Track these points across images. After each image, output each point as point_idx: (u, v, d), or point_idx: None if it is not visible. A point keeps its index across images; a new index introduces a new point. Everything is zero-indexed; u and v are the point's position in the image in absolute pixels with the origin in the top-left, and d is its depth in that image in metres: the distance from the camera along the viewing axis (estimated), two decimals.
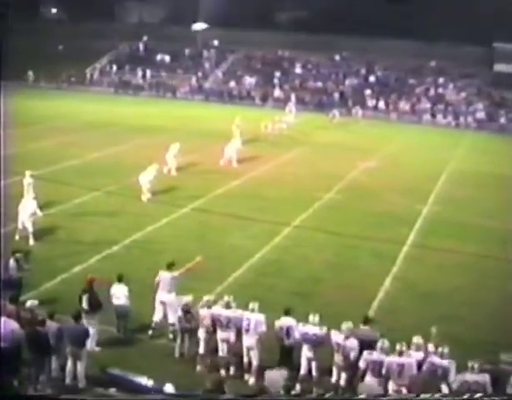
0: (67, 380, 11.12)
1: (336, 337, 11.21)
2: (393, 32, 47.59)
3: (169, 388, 9.69)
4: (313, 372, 11.50)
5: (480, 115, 47.88)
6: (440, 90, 51.53)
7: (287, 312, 11.90)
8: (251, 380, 11.70)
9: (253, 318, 11.68)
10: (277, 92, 52.13)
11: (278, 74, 54.56)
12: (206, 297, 12.22)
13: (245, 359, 11.87)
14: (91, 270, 15.18)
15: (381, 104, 50.08)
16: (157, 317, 13.07)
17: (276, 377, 10.05)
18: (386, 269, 17.18)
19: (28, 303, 11.68)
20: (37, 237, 17.66)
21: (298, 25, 56.17)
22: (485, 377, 10.20)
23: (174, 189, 23.55)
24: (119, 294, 12.85)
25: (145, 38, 59.30)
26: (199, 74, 55.81)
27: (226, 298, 12.10)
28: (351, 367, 11.08)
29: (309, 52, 54.86)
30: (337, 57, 56.40)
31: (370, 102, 50.41)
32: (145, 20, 65.37)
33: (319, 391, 11.11)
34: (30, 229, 17.54)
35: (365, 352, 10.78)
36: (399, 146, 36.94)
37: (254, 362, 11.74)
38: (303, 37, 52.91)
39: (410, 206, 23.20)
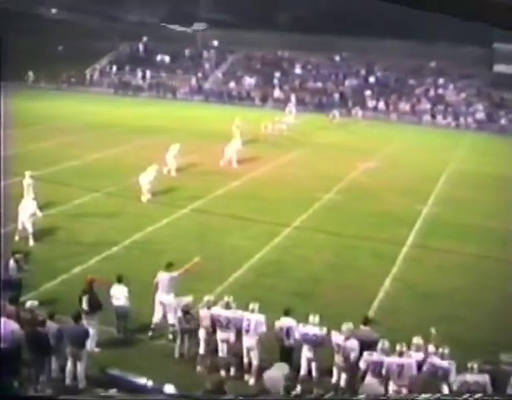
0: (67, 380, 11.12)
1: (336, 337, 11.21)
2: (393, 32, 47.57)
3: (169, 389, 9.69)
4: (313, 373, 11.50)
5: (480, 116, 47.89)
6: (440, 91, 51.56)
7: (287, 313, 11.89)
8: (251, 380, 11.69)
9: (253, 319, 11.68)
10: (277, 93, 52.14)
11: (277, 75, 54.57)
12: (206, 298, 12.24)
13: (245, 360, 11.87)
14: (91, 271, 15.18)
15: (381, 105, 50.09)
16: (156, 317, 13.07)
17: (276, 376, 10.04)
18: (386, 270, 17.18)
19: (28, 304, 11.68)
20: (36, 237, 17.66)
21: (298, 25, 56.13)
22: (485, 378, 10.21)
23: (174, 190, 23.55)
24: (119, 295, 12.84)
25: (145, 39, 59.33)
26: (199, 75, 55.82)
27: (226, 299, 12.11)
28: (351, 368, 11.08)
29: (309, 52, 54.85)
30: (337, 58, 56.41)
31: (370, 103, 50.42)
32: (145, 20, 65.32)
33: (319, 391, 11.12)
34: (30, 230, 17.53)
35: (365, 353, 10.78)
36: (399, 146, 36.94)
37: (254, 363, 11.73)
38: (303, 37, 52.87)
39: (410, 206, 23.20)
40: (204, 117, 42.93)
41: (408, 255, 18.52)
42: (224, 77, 55.82)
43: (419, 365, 10.60)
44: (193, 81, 54.84)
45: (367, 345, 11.00)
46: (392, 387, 10.50)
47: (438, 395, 7.79)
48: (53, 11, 63.35)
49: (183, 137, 30.85)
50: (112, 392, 8.65)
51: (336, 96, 51.33)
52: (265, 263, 17.31)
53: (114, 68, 56.99)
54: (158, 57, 58.00)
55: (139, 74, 55.49)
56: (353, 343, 11.05)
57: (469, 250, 18.84)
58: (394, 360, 10.53)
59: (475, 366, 10.28)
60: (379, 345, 10.71)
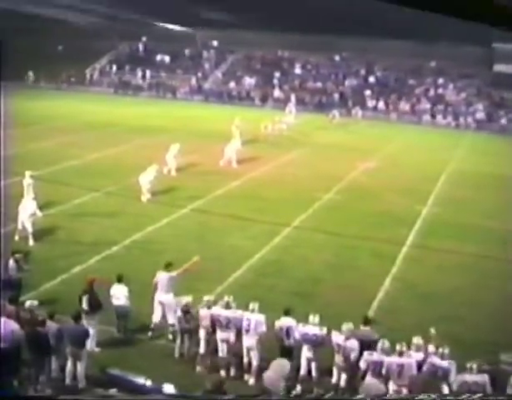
0: (67, 380, 11.12)
1: (336, 337, 11.21)
2: (393, 32, 47.55)
3: (169, 389, 9.69)
4: (313, 373, 11.50)
5: (480, 115, 47.92)
6: (440, 90, 51.58)
7: (287, 313, 11.88)
8: (251, 380, 11.69)
9: (253, 319, 11.67)
10: (276, 93, 52.16)
11: (277, 75, 54.60)
12: (206, 298, 12.23)
13: (245, 360, 11.86)
14: (91, 270, 15.19)
15: (381, 105, 50.12)
16: (156, 317, 13.06)
17: (276, 376, 10.04)
18: (386, 269, 17.17)
19: (28, 304, 11.67)
20: (36, 237, 17.65)
21: (298, 25, 56.11)
22: (485, 378, 10.20)
23: (174, 190, 23.55)
24: (119, 295, 12.84)
25: (145, 39, 59.33)
26: (199, 75, 55.85)
27: (226, 299, 12.10)
28: (351, 368, 11.08)
29: (309, 52, 54.88)
30: (336, 58, 56.43)
31: (370, 103, 50.45)
32: (145, 20, 65.30)
33: (319, 391, 11.12)
34: (30, 229, 17.53)
35: (366, 353, 10.78)
36: (399, 146, 36.95)
37: (254, 363, 11.73)
38: (303, 37, 52.92)
39: (410, 206, 23.20)
40: (204, 117, 42.93)
41: (408, 255, 18.51)
42: (224, 77, 55.84)
43: (419, 365, 10.60)
44: (193, 81, 54.87)
45: (367, 345, 10.99)
46: (392, 386, 10.50)
47: (438, 395, 7.80)
48: (53, 11, 63.33)
49: (183, 137, 30.85)
50: (112, 391, 8.66)
51: (336, 96, 51.35)
52: (265, 263, 17.31)
53: (114, 68, 57.03)
54: (158, 57, 58.02)
55: (139, 74, 55.53)
56: (354, 343, 11.04)
57: (469, 250, 18.83)
58: (394, 360, 10.53)
59: (475, 366, 10.28)
60: (379, 345, 10.70)
